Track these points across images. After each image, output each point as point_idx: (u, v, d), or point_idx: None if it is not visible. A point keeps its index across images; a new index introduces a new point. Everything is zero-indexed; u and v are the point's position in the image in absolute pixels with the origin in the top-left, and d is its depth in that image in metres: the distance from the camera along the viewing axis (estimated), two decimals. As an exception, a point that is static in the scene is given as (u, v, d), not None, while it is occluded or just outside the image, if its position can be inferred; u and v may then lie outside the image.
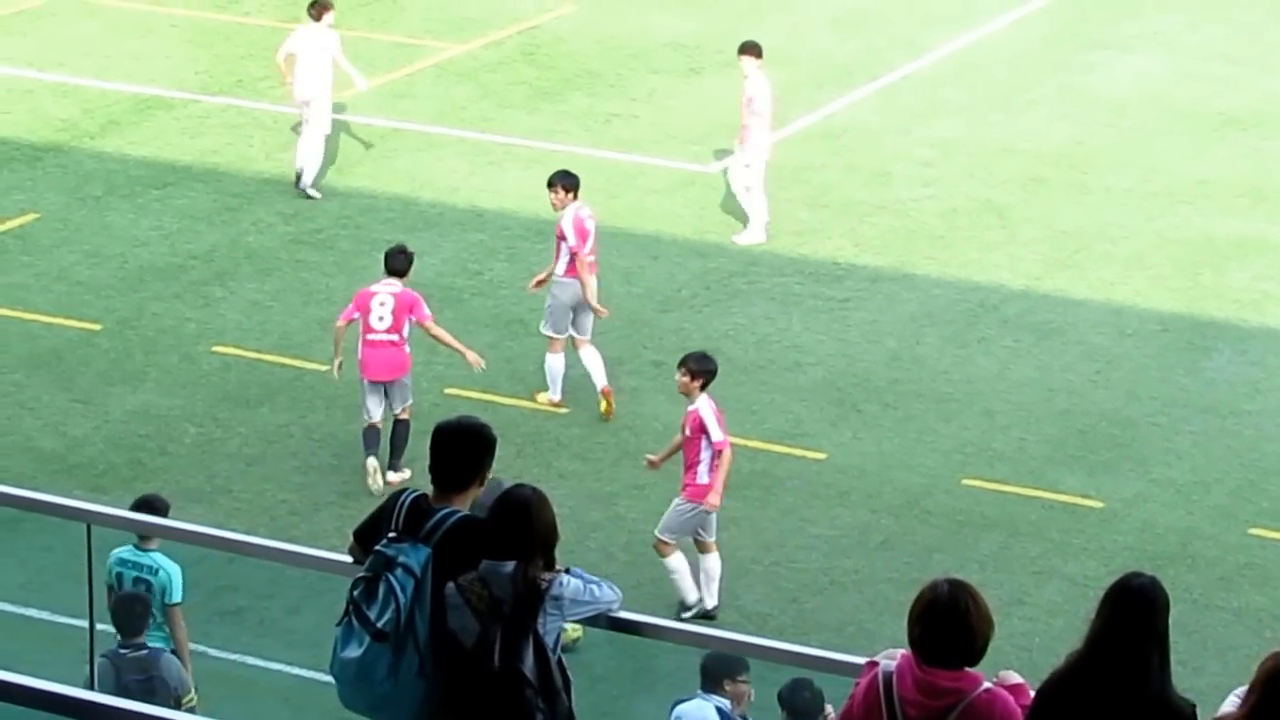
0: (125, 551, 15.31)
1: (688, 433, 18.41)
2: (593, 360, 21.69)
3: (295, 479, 20.21)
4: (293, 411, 21.46)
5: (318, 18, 27.17)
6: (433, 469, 9.38)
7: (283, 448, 20.81)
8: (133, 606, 14.67)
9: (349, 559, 9.68)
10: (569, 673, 9.24)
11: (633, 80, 29.97)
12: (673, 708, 14.08)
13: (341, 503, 19.19)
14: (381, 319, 20.45)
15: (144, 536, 15.25)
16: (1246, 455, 21.14)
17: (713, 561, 18.38)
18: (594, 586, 9.28)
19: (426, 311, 20.77)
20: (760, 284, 24.27)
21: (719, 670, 13.85)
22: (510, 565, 9.08)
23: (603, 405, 21.45)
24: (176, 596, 15.21)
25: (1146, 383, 22.46)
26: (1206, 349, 23.14)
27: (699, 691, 13.96)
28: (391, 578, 9.17)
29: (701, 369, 18.52)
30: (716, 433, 18.21)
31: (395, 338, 20.57)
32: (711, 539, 18.45)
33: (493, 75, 29.49)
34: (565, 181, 21.87)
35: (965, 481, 20.45)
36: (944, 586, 8.32)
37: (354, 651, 9.19)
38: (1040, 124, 28.79)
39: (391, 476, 19.99)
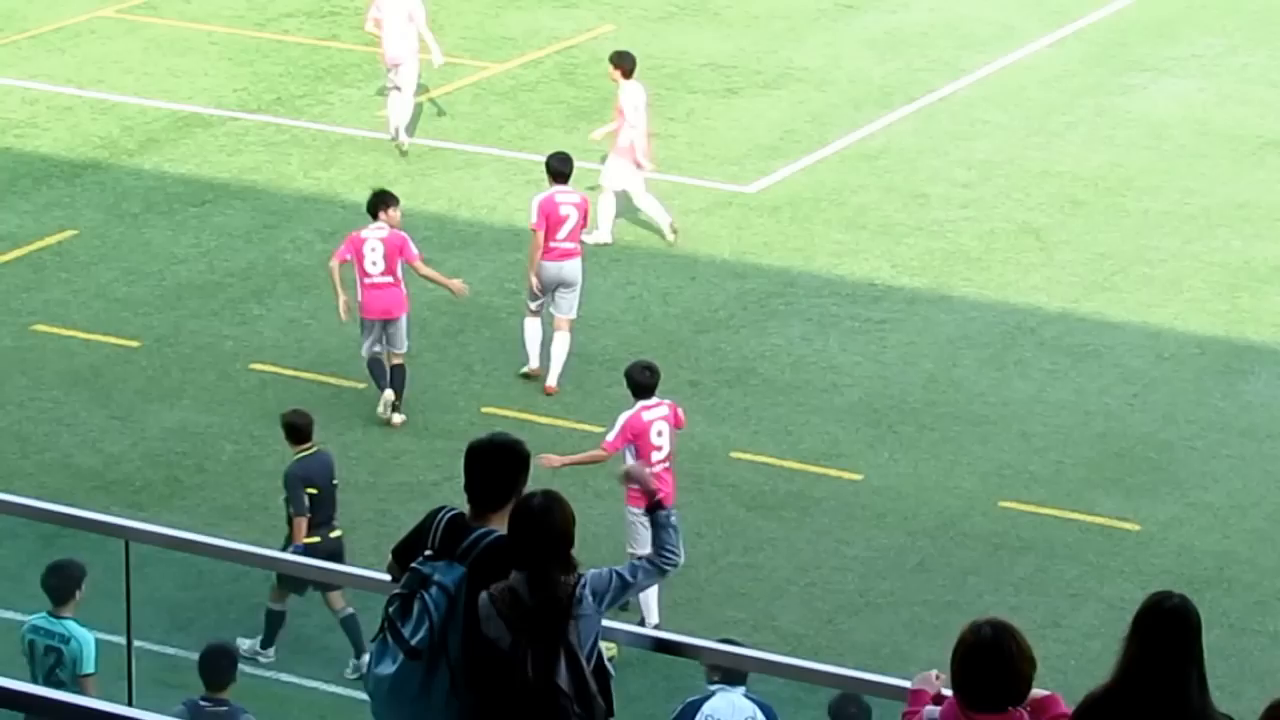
0: (39, 619, 14.90)
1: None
2: (560, 349, 22.35)
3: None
4: (330, 429, 21.45)
5: None
6: (468, 488, 9.38)
7: (319, 465, 20.86)
8: (219, 660, 14.28)
9: (385, 576, 9.70)
10: (609, 666, 9.26)
11: (670, 100, 29.98)
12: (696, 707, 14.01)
13: (378, 520, 19.22)
14: (375, 263, 21.62)
15: (59, 603, 14.83)
16: (1278, 482, 21.17)
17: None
18: (616, 570, 9.28)
19: (414, 251, 21.92)
20: (797, 305, 24.27)
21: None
22: (526, 574, 9.11)
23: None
24: (88, 667, 14.55)
25: (1184, 406, 22.43)
26: (1244, 373, 23.10)
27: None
28: (426, 596, 9.19)
29: (643, 381, 18.80)
30: (614, 434, 18.56)
31: (390, 279, 21.72)
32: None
33: (531, 94, 29.52)
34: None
35: (1002, 504, 20.43)
36: (987, 629, 8.33)
37: (388, 668, 9.22)
38: (1078, 146, 28.76)
39: (395, 419, 21.51)
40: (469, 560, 9.21)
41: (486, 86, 29.29)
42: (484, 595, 9.12)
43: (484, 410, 21.32)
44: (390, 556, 9.59)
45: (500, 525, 9.33)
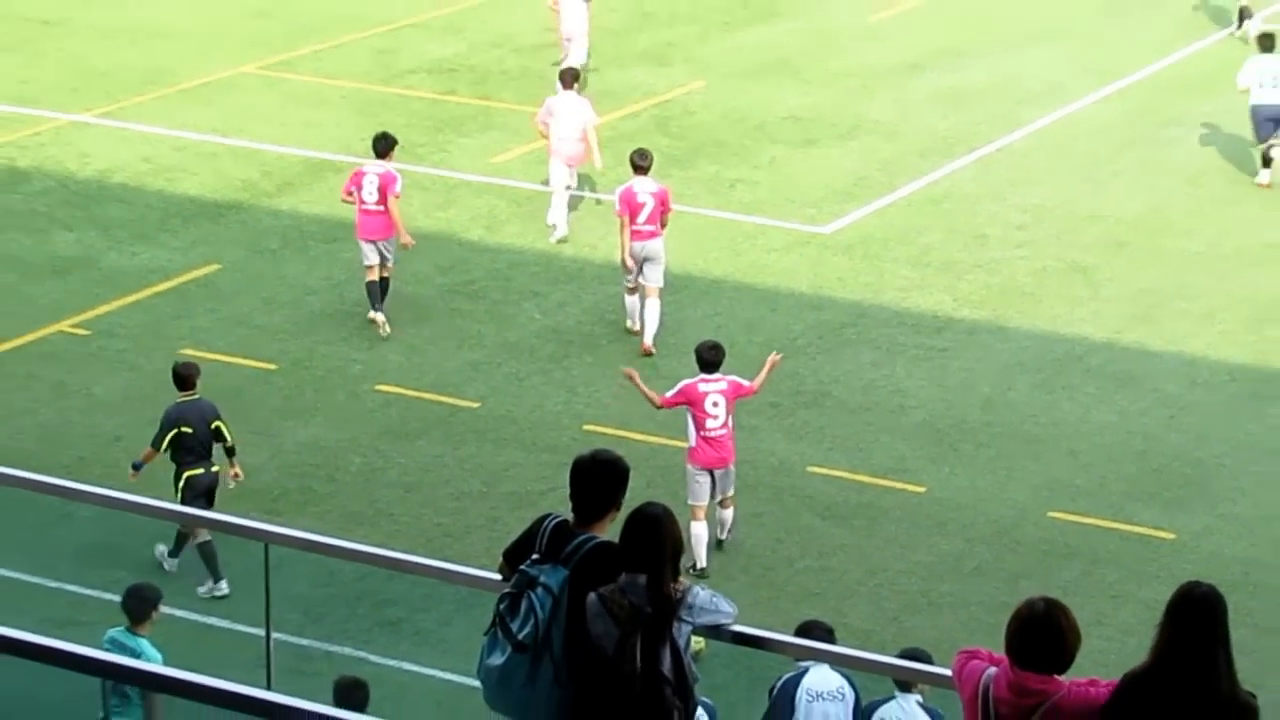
0: (117, 632, 14.81)
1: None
2: (652, 313, 23.68)
3: (449, 504, 20.31)
4: (446, 444, 21.57)
5: None
6: (572, 498, 9.42)
7: (437, 476, 20.90)
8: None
9: (497, 576, 9.75)
10: (695, 671, 9.32)
11: (754, 149, 30.03)
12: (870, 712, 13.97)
13: (489, 526, 19.27)
14: (370, 194, 23.95)
15: (136, 622, 14.82)
16: (1308, 494, 21.07)
17: (726, 513, 19.60)
18: (718, 600, 9.36)
19: (396, 189, 24.09)
20: (868, 334, 24.25)
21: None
22: (644, 578, 9.14)
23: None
24: None
25: (1215, 428, 22.33)
26: (1271, 398, 22.98)
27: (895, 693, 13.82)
28: (533, 595, 9.24)
29: (709, 357, 19.56)
30: (673, 393, 19.49)
31: (381, 208, 23.98)
32: (726, 499, 19.50)
33: (629, 144, 29.42)
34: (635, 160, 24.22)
35: (1051, 514, 20.37)
36: (1040, 604, 8.48)
37: (497, 659, 9.27)
38: (1122, 193, 28.68)
39: (377, 316, 23.96)
40: (572, 563, 9.26)
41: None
42: (593, 596, 9.16)
43: (585, 428, 21.37)
44: (501, 559, 9.65)
45: (600, 532, 9.38)
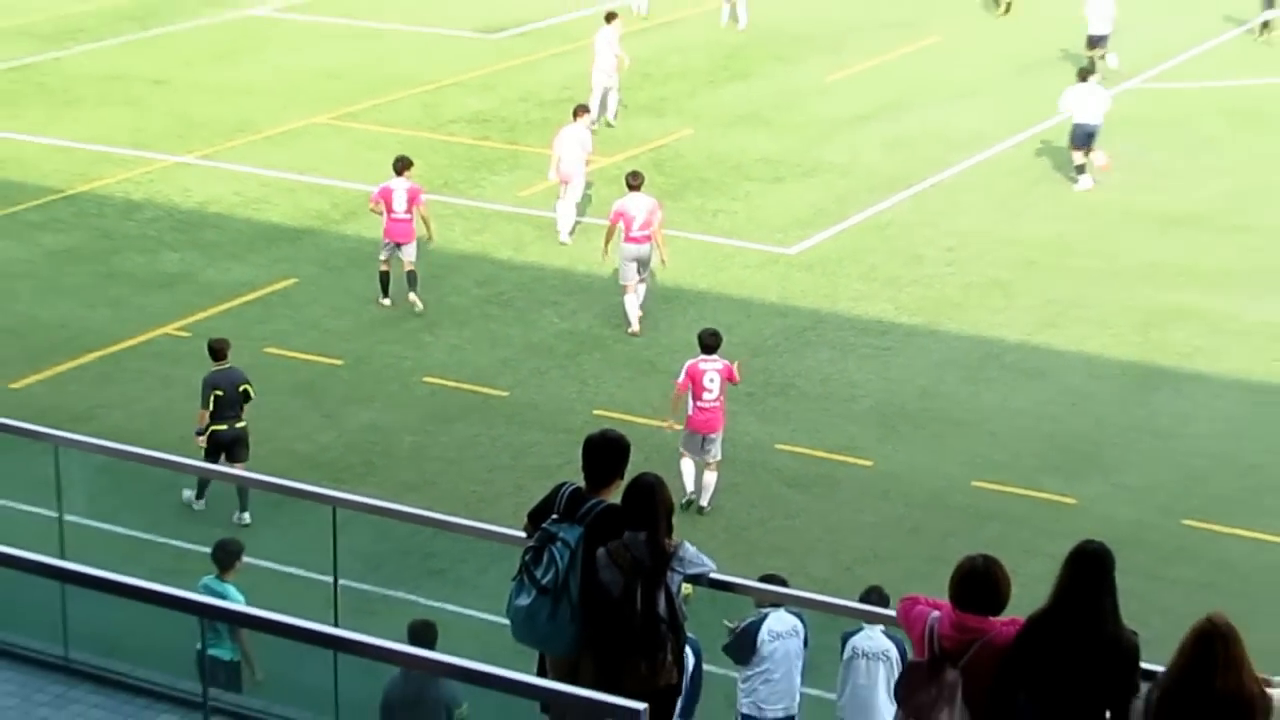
0: (209, 579, 14.75)
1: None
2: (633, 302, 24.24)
3: (483, 475, 20.29)
4: (481, 425, 21.55)
5: (609, 21, 33.13)
6: (584, 469, 9.43)
7: (473, 452, 20.89)
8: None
9: (523, 534, 9.74)
10: (685, 611, 9.32)
11: (733, 185, 30.03)
12: (844, 640, 13.86)
13: (516, 493, 19.23)
14: (400, 204, 24.52)
15: (223, 569, 14.78)
16: (1182, 467, 20.98)
17: (708, 478, 19.70)
18: (702, 555, 9.37)
19: (422, 199, 24.76)
20: (825, 336, 24.23)
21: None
22: (643, 534, 9.13)
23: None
24: None
25: (1109, 413, 22.32)
26: (1155, 388, 22.98)
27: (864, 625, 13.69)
28: (553, 548, 9.24)
29: (709, 341, 19.78)
30: (679, 376, 19.69)
31: (408, 216, 24.59)
32: (709, 460, 19.66)
33: (630, 180, 29.70)
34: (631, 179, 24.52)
35: (974, 483, 20.36)
36: (980, 560, 8.65)
37: (524, 600, 9.26)
38: (1033, 221, 28.67)
39: (414, 297, 24.61)
40: (585, 522, 9.26)
41: (599, 175, 29.30)
42: (602, 549, 9.16)
43: (595, 412, 21.35)
44: (526, 519, 9.64)
45: (609, 497, 9.37)
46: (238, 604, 13.52)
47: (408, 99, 34.46)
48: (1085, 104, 30.10)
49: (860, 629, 13.81)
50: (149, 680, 10.82)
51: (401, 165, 24.91)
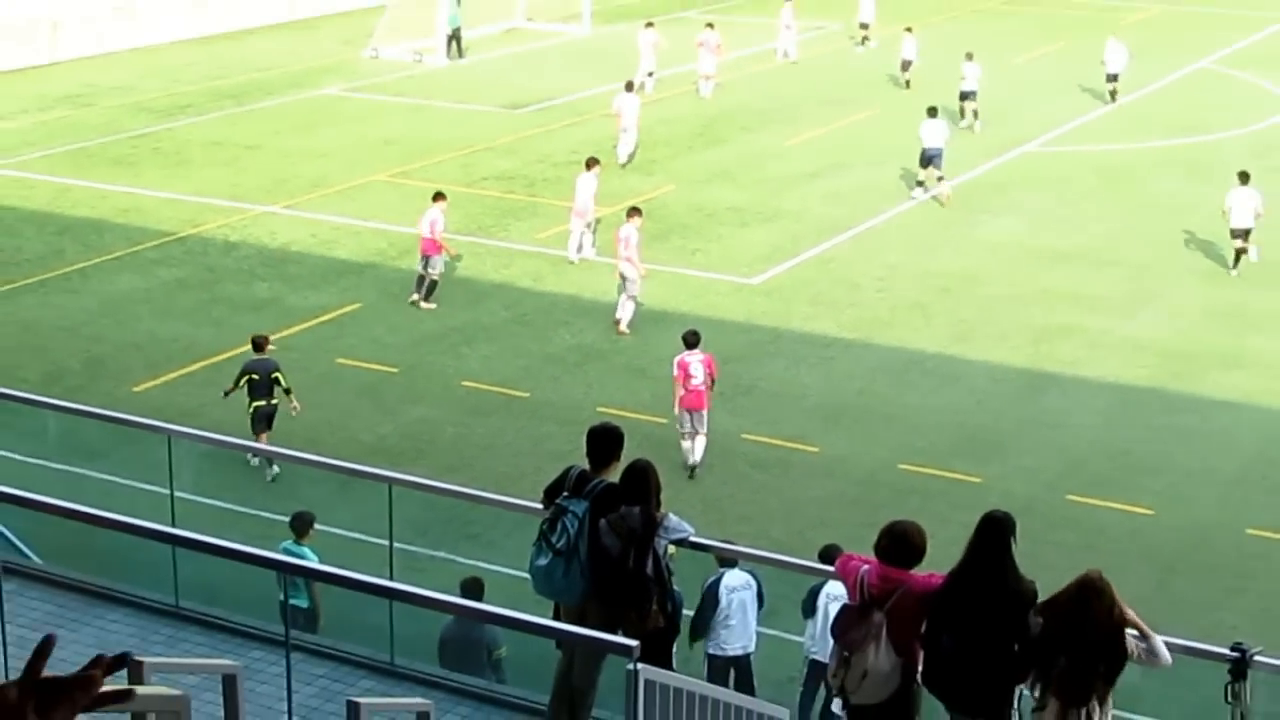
0: (288, 544, 14.62)
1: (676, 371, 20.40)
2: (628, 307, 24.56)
3: (509, 459, 20.28)
4: (508, 420, 21.54)
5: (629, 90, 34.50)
6: (588, 455, 9.43)
7: (502, 441, 20.89)
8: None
9: (540, 506, 9.73)
10: (669, 569, 9.30)
11: (708, 230, 30.01)
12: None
13: (536, 474, 19.05)
14: (424, 228, 25.47)
15: (299, 535, 14.69)
16: (1066, 452, 21.00)
17: (698, 442, 20.17)
18: (683, 523, 9.35)
19: (440, 225, 25.40)
20: (782, 349, 24.23)
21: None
22: (638, 508, 9.12)
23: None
24: None
25: (1008, 409, 22.33)
26: (1044, 391, 22.99)
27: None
28: (565, 519, 9.24)
29: (691, 339, 20.45)
30: (674, 370, 20.35)
31: (430, 236, 25.30)
32: (698, 432, 20.13)
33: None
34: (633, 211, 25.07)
35: (900, 466, 20.36)
36: (899, 524, 8.76)
37: (542, 560, 9.26)
38: (948, 256, 28.66)
39: (426, 305, 25.17)
40: (590, 498, 9.24)
41: (603, 223, 29.31)
42: (604, 520, 9.15)
43: (598, 409, 21.32)
44: (543, 495, 9.63)
45: (608, 476, 9.36)
46: (311, 562, 13.56)
47: (449, 160, 34.42)
48: (931, 132, 31.80)
49: (826, 581, 13.80)
50: (243, 623, 10.79)
51: (434, 196, 25.95)
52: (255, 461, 19.67)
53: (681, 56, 41.91)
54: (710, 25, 42.05)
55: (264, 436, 19.50)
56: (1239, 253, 27.67)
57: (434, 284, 25.51)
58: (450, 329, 24.70)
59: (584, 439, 9.54)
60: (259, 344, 20.20)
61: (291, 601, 12.52)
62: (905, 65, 41.34)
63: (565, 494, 9.36)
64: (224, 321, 24.86)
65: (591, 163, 28.06)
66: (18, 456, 17.90)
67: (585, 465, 9.49)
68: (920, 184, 31.82)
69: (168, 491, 12.95)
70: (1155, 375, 23.46)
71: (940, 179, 31.52)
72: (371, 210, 30.74)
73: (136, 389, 22.21)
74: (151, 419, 14.44)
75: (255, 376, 19.72)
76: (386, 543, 12.45)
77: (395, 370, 23.16)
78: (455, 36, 45.07)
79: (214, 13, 48.67)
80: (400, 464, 19.35)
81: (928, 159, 31.72)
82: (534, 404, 22.02)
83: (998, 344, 24.53)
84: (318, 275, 27.18)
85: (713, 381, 20.15)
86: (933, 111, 32.65)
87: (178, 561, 11.18)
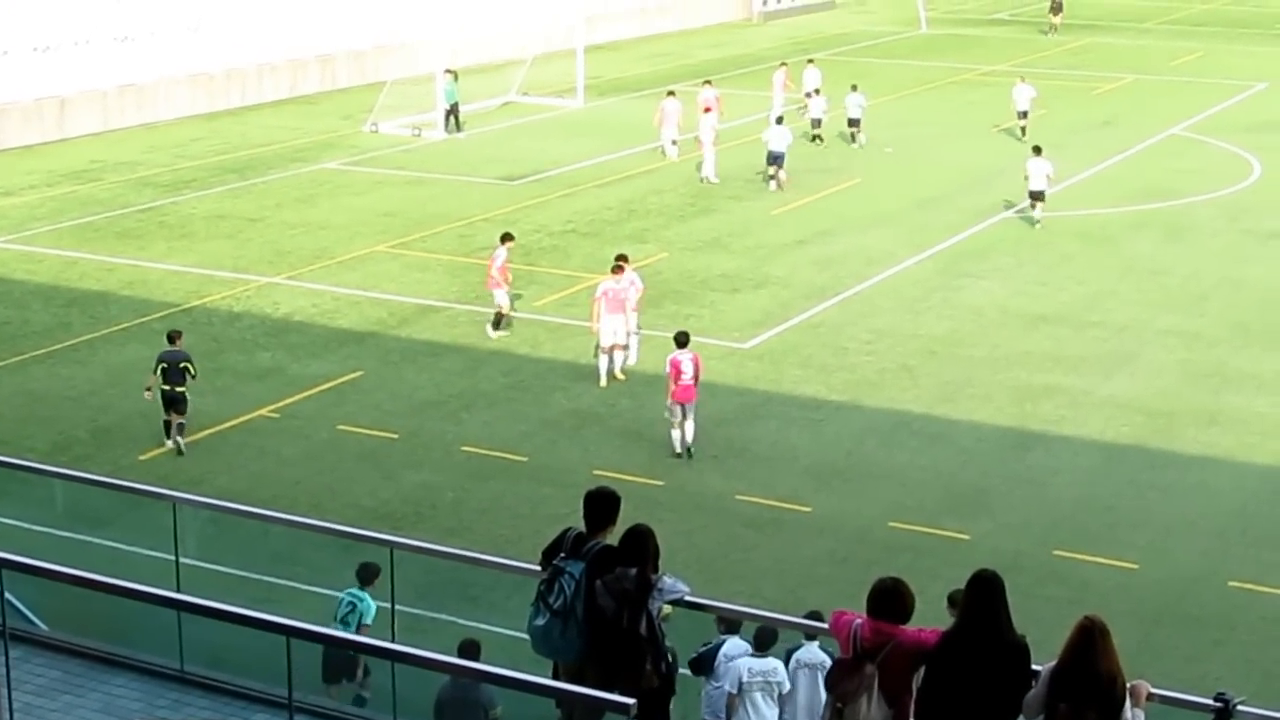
0: (353, 589, 14.97)
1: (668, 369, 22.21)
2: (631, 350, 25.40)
3: (508, 522, 20.23)
4: (506, 483, 21.50)
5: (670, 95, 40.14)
6: (585, 517, 9.40)
7: (500, 504, 20.83)
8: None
9: (538, 568, 9.69)
10: (663, 630, 9.25)
11: (700, 296, 30.09)
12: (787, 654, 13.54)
13: (534, 536, 18.96)
14: (493, 267, 26.94)
15: (363, 583, 14.91)
16: (1050, 509, 20.97)
17: (688, 427, 22.12)
18: (678, 582, 9.31)
19: (498, 263, 27.01)
20: (773, 411, 24.23)
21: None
22: (634, 570, 9.09)
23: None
24: (368, 620, 14.71)
25: (993, 466, 22.32)
26: (1028, 449, 22.99)
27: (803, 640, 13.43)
28: (562, 580, 9.20)
29: (682, 339, 22.47)
30: (667, 366, 22.17)
31: (492, 275, 27.02)
32: (686, 419, 22.08)
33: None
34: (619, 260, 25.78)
35: (890, 524, 20.32)
36: (889, 580, 8.71)
37: (540, 621, 9.22)
38: (932, 320, 28.74)
39: (493, 334, 26.77)
40: (587, 560, 9.21)
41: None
42: (599, 581, 9.12)
43: (594, 472, 21.30)
44: (541, 556, 9.59)
45: (604, 539, 9.32)
46: (369, 610, 14.39)
47: (447, 231, 34.54)
48: (776, 137, 37.96)
49: (801, 644, 13.68)
50: (247, 686, 10.71)
51: (502, 238, 27.51)
52: (170, 445, 22.23)
53: (686, 124, 42.15)
54: (708, 81, 45.03)
55: (177, 417, 22.16)
56: (1033, 205, 34.98)
57: (499, 316, 26.85)
58: (449, 395, 24.70)
59: (581, 502, 9.52)
60: (172, 337, 22.56)
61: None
62: (852, 123, 43.75)
63: (562, 555, 9.32)
64: (228, 391, 24.84)
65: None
66: (26, 525, 17.83)
67: (582, 528, 9.45)
68: (771, 178, 37.98)
69: (173, 557, 12.89)
70: (1136, 433, 23.48)
71: (780, 171, 37.82)
72: (372, 281, 30.79)
73: (143, 457, 22.17)
74: (157, 486, 14.40)
75: (166, 365, 22.08)
76: (388, 605, 12.37)
77: (396, 436, 23.12)
78: (453, 111, 45.33)
79: (217, 90, 48.97)
80: (401, 528, 19.29)
81: (774, 158, 37.88)
82: (532, 468, 21.98)
83: (983, 404, 24.55)
84: (319, 344, 27.19)
85: (698, 376, 22.02)
86: (780, 120, 39.34)
87: (183, 626, 11.11)
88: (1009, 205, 36.46)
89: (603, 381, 24.80)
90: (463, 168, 40.85)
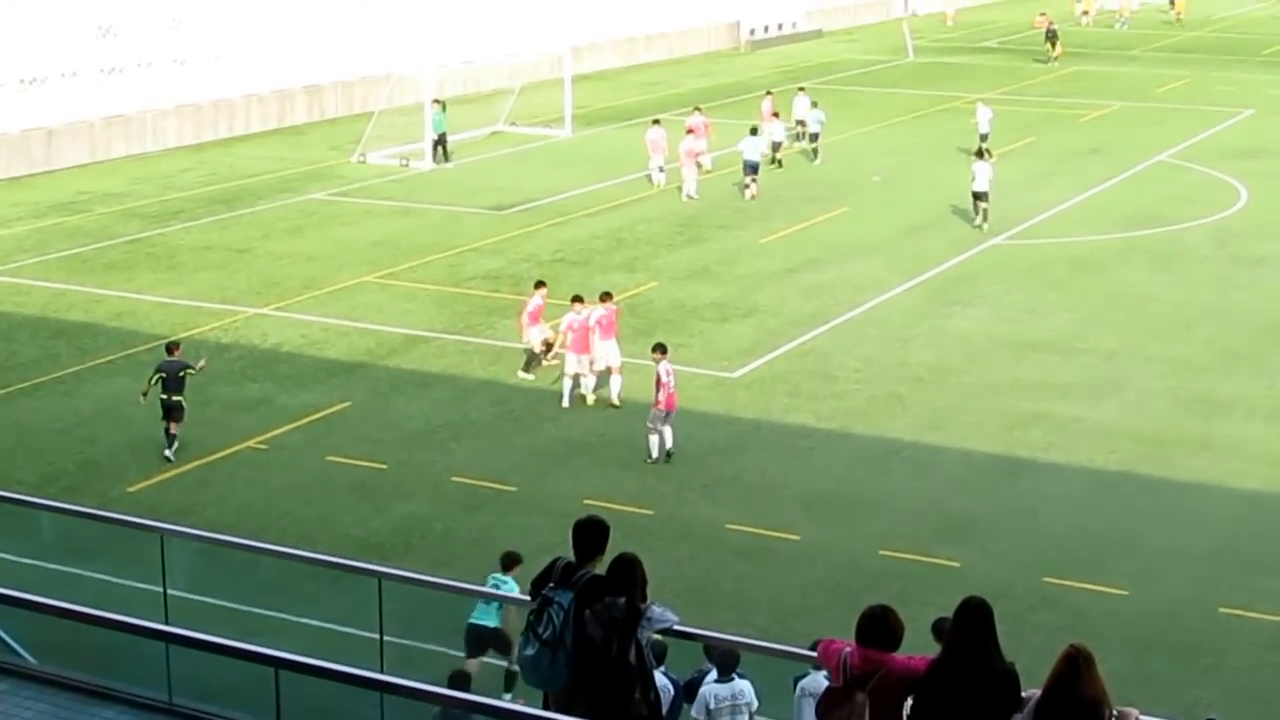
0: (497, 575, 15.94)
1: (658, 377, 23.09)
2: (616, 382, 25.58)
3: (497, 552, 19.97)
4: (496, 514, 21.48)
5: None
6: (574, 547, 9.39)
7: (490, 535, 20.76)
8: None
9: (527, 598, 9.68)
10: (651, 660, 9.25)
11: (689, 325, 30.12)
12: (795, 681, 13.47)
13: (527, 567, 19.10)
14: (529, 307, 27.01)
15: (507, 568, 16.03)
16: (1040, 536, 20.98)
17: (667, 432, 23.06)
18: (666, 611, 9.30)
19: (529, 308, 26.79)
20: (762, 439, 24.24)
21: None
22: (622, 599, 9.08)
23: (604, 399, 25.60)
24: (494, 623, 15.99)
25: (983, 494, 22.34)
26: (1018, 476, 23.01)
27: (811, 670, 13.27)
28: (551, 610, 9.19)
29: (659, 348, 23.61)
30: (663, 376, 23.17)
31: (527, 321, 26.82)
32: (665, 424, 23.01)
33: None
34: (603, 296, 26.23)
35: (881, 551, 20.32)
36: (878, 608, 8.70)
37: (530, 651, 9.21)
38: (921, 348, 28.79)
39: (522, 375, 26.57)
40: (576, 589, 9.20)
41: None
42: (588, 611, 9.11)
43: (584, 501, 21.28)
44: (530, 586, 9.59)
45: (593, 568, 9.32)
46: (513, 591, 14.52)
47: (436, 261, 34.58)
48: (751, 146, 39.99)
49: (808, 673, 13.68)
50: (235, 718, 10.67)
51: (535, 285, 27.54)
52: (169, 454, 22.89)
53: (669, 153, 42.26)
54: (698, 108, 46.31)
55: (174, 425, 22.91)
56: (977, 210, 37.00)
57: (530, 357, 26.77)
58: (438, 425, 24.69)
59: (570, 532, 9.52)
60: (171, 348, 23.53)
61: (479, 621, 15.49)
62: (799, 123, 46.61)
63: (551, 585, 9.32)
64: (216, 422, 24.81)
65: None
66: (13, 557, 17.78)
67: (571, 557, 9.46)
68: (746, 188, 39.90)
69: (161, 589, 12.86)
70: (1126, 459, 23.53)
71: (755, 181, 39.89)
72: (361, 311, 30.80)
73: (130, 489, 22.12)
74: (145, 518, 14.38)
75: (165, 375, 22.89)
76: (376, 636, 12.33)
77: (384, 467, 23.10)
78: (441, 141, 45.44)
79: (205, 121, 49.05)
80: (390, 559, 19.26)
81: (747, 167, 39.78)
82: (521, 497, 21.97)
83: (972, 432, 24.59)
84: (308, 375, 27.18)
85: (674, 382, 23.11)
86: (754, 130, 40.74)
87: (171, 658, 11.08)
88: (981, 225, 36.56)
89: (579, 402, 25.07)
90: (451, 198, 40.92)
